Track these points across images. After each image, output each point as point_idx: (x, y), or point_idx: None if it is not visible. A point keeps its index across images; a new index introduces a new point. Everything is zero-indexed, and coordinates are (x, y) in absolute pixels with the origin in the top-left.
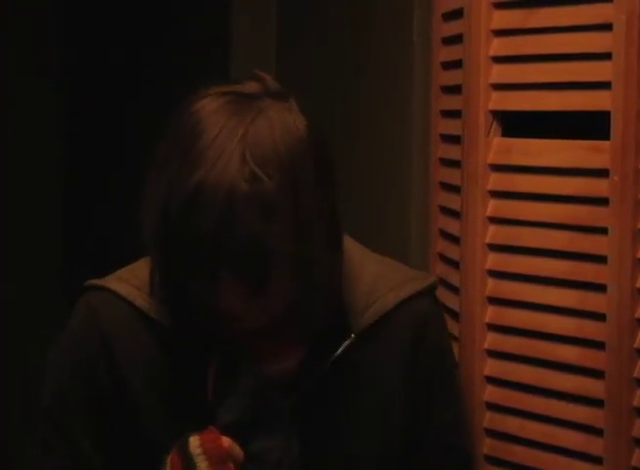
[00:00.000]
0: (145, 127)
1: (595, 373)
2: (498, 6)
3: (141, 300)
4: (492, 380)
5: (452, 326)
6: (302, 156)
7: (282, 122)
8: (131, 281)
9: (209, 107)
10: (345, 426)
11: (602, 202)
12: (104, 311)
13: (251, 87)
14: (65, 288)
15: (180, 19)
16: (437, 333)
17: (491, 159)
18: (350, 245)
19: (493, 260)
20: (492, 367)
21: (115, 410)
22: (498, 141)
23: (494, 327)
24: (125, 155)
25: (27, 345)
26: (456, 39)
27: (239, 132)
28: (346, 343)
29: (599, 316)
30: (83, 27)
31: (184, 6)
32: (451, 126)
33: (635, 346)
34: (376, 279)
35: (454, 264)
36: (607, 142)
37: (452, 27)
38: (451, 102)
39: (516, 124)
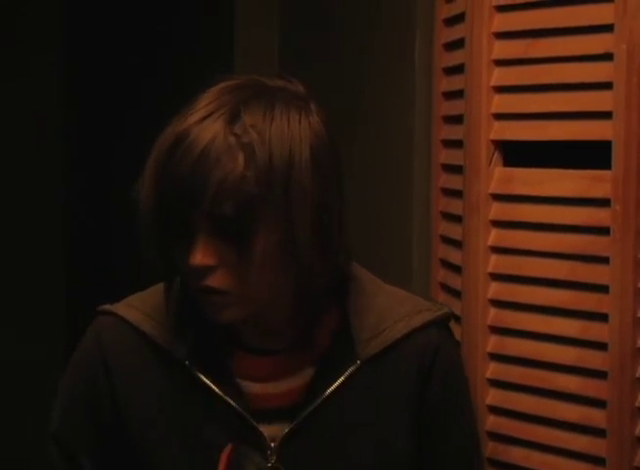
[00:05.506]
0: (145, 131)
1: (597, 403)
2: (499, 36)
3: (148, 326)
4: (494, 409)
5: None
6: (300, 145)
7: (286, 110)
8: (140, 308)
9: (223, 84)
10: (345, 452)
11: (603, 231)
12: (109, 337)
13: (273, 81)
14: (66, 315)
15: (182, 20)
16: (448, 363)
17: (493, 188)
18: (362, 274)
19: (495, 290)
20: (494, 397)
21: (117, 435)
22: (500, 171)
23: (496, 356)
24: (126, 160)
25: (29, 372)
26: (457, 69)
27: (240, 98)
28: (351, 369)
29: (601, 346)
30: (86, 28)
31: (185, 8)
32: (453, 156)
33: (637, 375)
34: (386, 309)
35: (456, 294)
36: (608, 172)
37: (453, 57)
38: (453, 132)
39: (517, 154)
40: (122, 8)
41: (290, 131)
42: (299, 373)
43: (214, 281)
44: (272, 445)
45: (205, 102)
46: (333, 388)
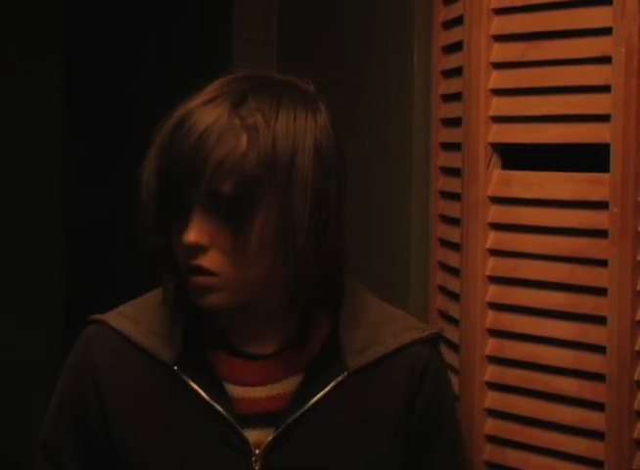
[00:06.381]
0: (146, 132)
1: (595, 405)
2: (497, 39)
3: (137, 333)
4: (492, 412)
5: (452, 359)
6: (305, 136)
7: (293, 104)
8: (130, 316)
9: (232, 75)
10: (329, 462)
11: (602, 234)
12: (98, 345)
13: (284, 77)
14: (66, 322)
15: (180, 22)
16: (437, 381)
17: (491, 191)
18: (358, 288)
19: (493, 293)
20: (492, 400)
21: (107, 444)
22: (498, 173)
23: (494, 359)
24: (126, 160)
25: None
26: (456, 72)
27: (247, 86)
28: (337, 380)
29: (599, 348)
30: (86, 30)
31: (184, 9)
32: (451, 159)
33: (636, 378)
34: (377, 324)
35: (454, 297)
36: (606, 174)
37: (452, 60)
38: (451, 134)
39: (515, 157)
40: (121, 9)
41: (295, 123)
42: (287, 380)
43: (205, 261)
44: (256, 451)
45: (212, 88)
46: (318, 397)
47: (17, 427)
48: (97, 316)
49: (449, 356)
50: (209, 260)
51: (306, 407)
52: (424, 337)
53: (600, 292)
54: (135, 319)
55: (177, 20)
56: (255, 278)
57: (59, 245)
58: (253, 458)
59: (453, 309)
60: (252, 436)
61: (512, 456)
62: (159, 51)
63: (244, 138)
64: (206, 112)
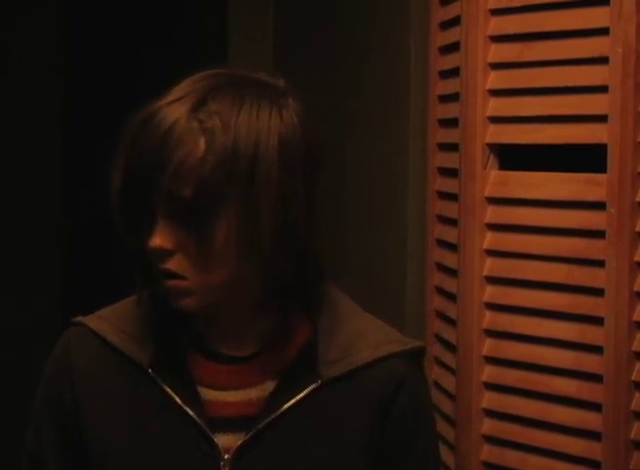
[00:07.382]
0: None
1: (593, 406)
2: (494, 39)
3: (113, 335)
4: (490, 413)
5: (450, 359)
6: (268, 135)
7: (257, 101)
8: (108, 318)
9: (202, 73)
10: (298, 469)
11: (599, 234)
12: (76, 347)
13: (254, 74)
14: (65, 322)
15: (179, 22)
16: (414, 395)
17: (488, 191)
18: (340, 297)
19: (491, 293)
20: (490, 400)
21: (83, 445)
22: (495, 174)
23: (492, 360)
24: None
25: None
26: (453, 72)
27: (211, 86)
28: (310, 388)
29: (597, 349)
30: (87, 29)
31: (183, 12)
32: (448, 159)
33: (633, 378)
34: (357, 334)
35: (451, 297)
36: (604, 175)
37: (449, 61)
38: (448, 135)
39: (513, 157)
40: (120, 9)
41: (258, 121)
42: (261, 384)
43: (172, 265)
44: (226, 456)
45: (180, 87)
46: (290, 404)
47: (16, 427)
48: (77, 319)
49: (447, 358)
50: (176, 264)
51: (277, 413)
52: (405, 350)
53: (597, 292)
54: (113, 322)
55: (177, 19)
56: (223, 280)
57: (58, 245)
58: (222, 463)
59: (450, 310)
60: (223, 440)
61: (510, 457)
62: (158, 51)
63: (202, 142)
64: (169, 112)
